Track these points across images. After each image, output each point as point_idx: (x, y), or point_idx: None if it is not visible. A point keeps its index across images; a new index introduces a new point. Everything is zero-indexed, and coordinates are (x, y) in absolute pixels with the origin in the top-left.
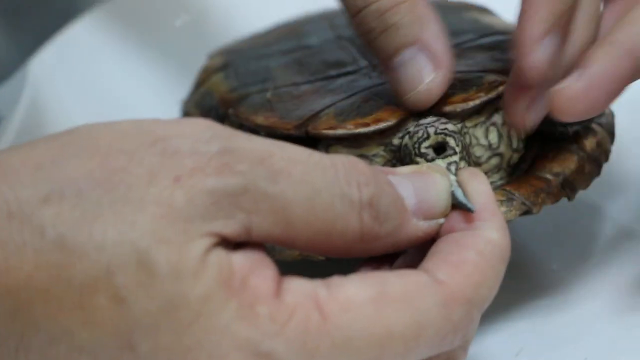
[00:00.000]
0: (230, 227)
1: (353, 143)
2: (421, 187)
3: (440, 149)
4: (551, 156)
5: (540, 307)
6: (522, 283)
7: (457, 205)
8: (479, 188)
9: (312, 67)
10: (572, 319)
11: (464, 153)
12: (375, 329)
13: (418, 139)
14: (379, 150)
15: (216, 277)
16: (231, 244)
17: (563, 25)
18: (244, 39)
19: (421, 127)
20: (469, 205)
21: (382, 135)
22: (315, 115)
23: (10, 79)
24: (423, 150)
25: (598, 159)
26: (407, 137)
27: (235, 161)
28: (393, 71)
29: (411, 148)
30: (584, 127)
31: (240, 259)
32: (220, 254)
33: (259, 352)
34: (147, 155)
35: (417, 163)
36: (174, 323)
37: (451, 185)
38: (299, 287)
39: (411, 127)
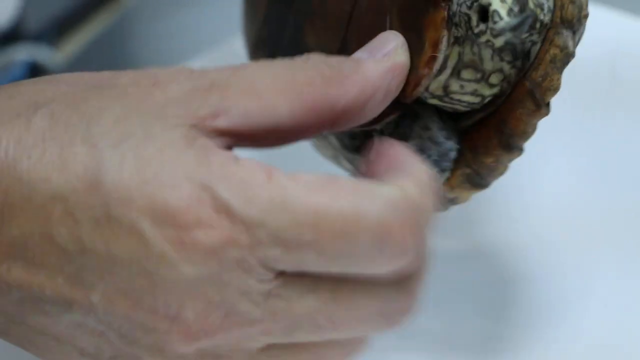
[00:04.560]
0: (205, 109)
1: None
2: (372, 44)
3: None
4: None
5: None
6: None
7: None
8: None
9: None
10: None
11: None
12: (315, 197)
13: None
14: None
15: (181, 134)
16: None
17: None
18: None
19: None
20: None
21: None
22: None
23: None
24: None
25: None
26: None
27: (205, 74)
28: None
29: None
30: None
31: (206, 139)
32: (191, 129)
33: (203, 185)
34: (130, 73)
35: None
36: (137, 157)
37: None
38: (255, 160)
39: None
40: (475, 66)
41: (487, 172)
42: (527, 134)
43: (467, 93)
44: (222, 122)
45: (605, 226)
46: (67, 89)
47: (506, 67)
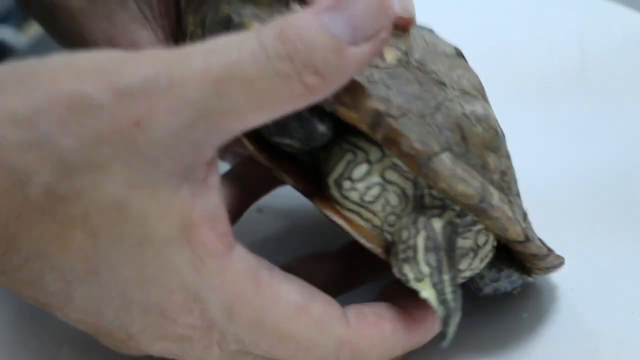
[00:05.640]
0: (191, 149)
1: None
2: (353, 15)
3: None
4: None
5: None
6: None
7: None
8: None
9: None
10: None
11: None
12: (284, 325)
13: None
14: None
15: (177, 223)
16: (200, 172)
17: None
18: None
19: None
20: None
21: None
22: None
23: None
24: None
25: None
26: None
27: (186, 97)
28: None
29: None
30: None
31: (200, 210)
32: (184, 200)
33: (196, 297)
34: (104, 96)
35: None
36: (137, 259)
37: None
38: (248, 258)
39: None
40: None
41: (550, 269)
42: (542, 248)
43: (483, 261)
44: (208, 153)
45: (580, 210)
46: (55, 158)
47: (479, 226)
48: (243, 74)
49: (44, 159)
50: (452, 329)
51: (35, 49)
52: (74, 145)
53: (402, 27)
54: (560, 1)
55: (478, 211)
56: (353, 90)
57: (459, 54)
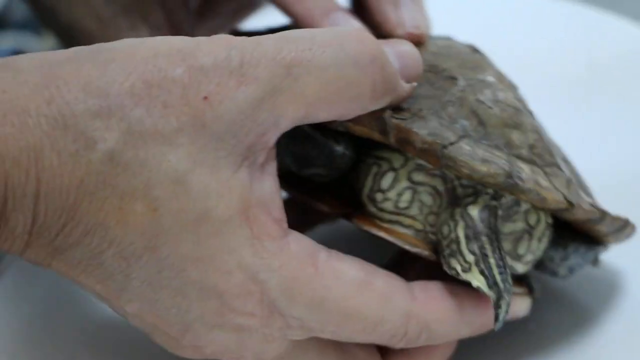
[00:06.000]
0: (255, 130)
1: None
2: (401, 52)
3: None
4: None
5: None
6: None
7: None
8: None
9: None
10: None
11: None
12: (349, 302)
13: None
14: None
15: (236, 203)
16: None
17: None
18: None
19: None
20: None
21: None
22: None
23: None
24: None
25: None
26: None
27: (256, 73)
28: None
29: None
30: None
31: (257, 193)
32: (242, 181)
33: (255, 278)
34: (177, 71)
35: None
36: (195, 235)
37: None
38: (304, 241)
39: None
40: (516, 238)
41: (617, 233)
42: (592, 212)
43: (542, 240)
44: (269, 139)
45: None
46: (123, 126)
47: (525, 206)
48: (317, 60)
49: (112, 126)
50: (503, 311)
51: None
52: (143, 115)
53: (414, 43)
54: (568, 13)
55: (509, 187)
56: None
57: (475, 50)
